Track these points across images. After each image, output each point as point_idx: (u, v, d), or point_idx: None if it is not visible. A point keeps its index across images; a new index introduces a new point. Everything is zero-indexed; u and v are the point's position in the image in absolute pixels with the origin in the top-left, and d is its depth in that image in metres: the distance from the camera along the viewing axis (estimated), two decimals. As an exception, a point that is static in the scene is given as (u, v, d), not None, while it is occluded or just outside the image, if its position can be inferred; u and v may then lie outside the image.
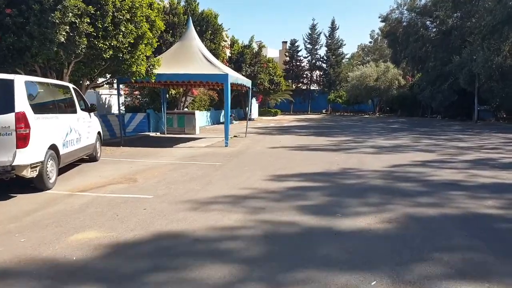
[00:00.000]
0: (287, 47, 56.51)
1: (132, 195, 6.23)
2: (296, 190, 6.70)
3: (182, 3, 18.89)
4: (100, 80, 13.12)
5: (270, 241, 4.21)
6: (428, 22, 36.37)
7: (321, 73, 56.52)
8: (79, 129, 8.15)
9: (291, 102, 49.22)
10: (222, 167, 9.03)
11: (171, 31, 17.07)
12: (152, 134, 17.94)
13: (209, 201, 5.94)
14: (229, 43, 27.50)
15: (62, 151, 7.03)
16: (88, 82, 12.34)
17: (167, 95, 18.81)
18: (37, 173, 6.04)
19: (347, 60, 60.37)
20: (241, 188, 6.79)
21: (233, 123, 28.59)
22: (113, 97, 22.92)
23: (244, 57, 26.81)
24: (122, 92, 22.16)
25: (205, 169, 8.80)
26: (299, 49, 55.69)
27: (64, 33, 8.65)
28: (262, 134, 19.47)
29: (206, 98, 25.40)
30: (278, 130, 22.32)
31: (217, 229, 4.58)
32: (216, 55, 19.14)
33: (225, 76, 12.99)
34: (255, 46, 29.12)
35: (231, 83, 14.23)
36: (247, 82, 16.27)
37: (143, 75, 11.96)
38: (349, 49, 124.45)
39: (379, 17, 39.79)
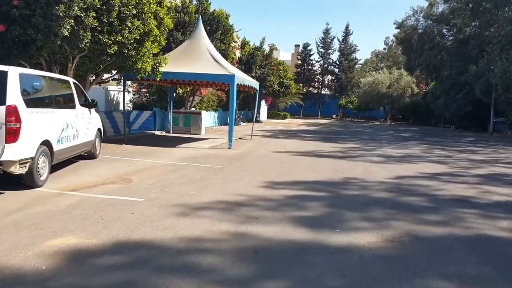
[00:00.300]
0: (300, 51, 56.09)
1: (123, 197, 5.96)
2: (295, 199, 6.37)
3: (194, 2, 18.70)
4: (106, 76, 12.93)
5: (259, 258, 3.89)
6: (444, 30, 35.67)
7: (333, 78, 55.97)
8: (77, 125, 7.93)
9: (301, 105, 48.81)
10: (222, 171, 8.74)
11: (181, 30, 16.88)
12: (157, 132, 17.75)
13: (201, 207, 5.64)
14: (240, 44, 27.24)
15: (56, 147, 6.80)
16: (93, 78, 12.15)
17: (174, 94, 18.60)
18: (26, 169, 5.81)
19: (360, 65, 59.75)
20: (237, 194, 6.48)
21: (240, 124, 28.37)
22: (121, 94, 22.87)
23: (254, 59, 26.53)
24: (130, 89, 22.13)
25: (204, 171, 8.51)
26: (311, 53, 55.24)
27: (68, 26, 8.45)
28: (269, 137, 19.15)
29: (215, 98, 25.17)
30: (285, 133, 21.97)
31: (204, 240, 4.27)
32: (226, 56, 18.91)
33: (232, 76, 12.72)
34: (266, 48, 28.83)
35: (238, 84, 13.96)
36: (255, 84, 15.98)
37: (148, 72, 11.74)
38: (362, 55, 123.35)
39: (394, 24, 39.21)
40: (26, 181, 6.00)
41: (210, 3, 18.61)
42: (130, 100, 21.70)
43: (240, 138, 16.94)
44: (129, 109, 21.05)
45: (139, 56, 10.75)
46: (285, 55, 59.08)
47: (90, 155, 9.24)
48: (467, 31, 33.19)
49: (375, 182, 8.16)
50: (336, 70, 55.45)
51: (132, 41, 10.17)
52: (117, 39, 9.74)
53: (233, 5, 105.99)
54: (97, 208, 5.27)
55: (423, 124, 38.47)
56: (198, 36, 14.72)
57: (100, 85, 17.55)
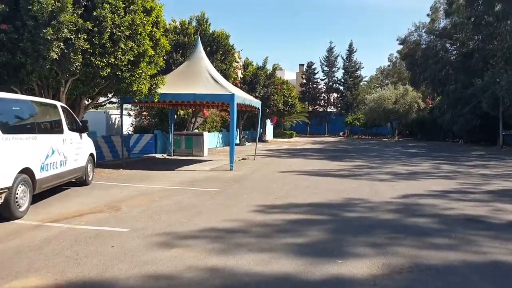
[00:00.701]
0: (304, 70, 56.19)
1: (107, 227, 5.53)
2: (294, 224, 5.87)
3: (194, 24, 18.65)
4: (102, 99, 12.70)
5: (247, 297, 3.41)
6: (447, 45, 35.39)
7: (338, 96, 55.79)
8: (64, 150, 7.59)
9: (307, 124, 48.48)
10: (219, 194, 8.28)
11: (180, 51, 16.75)
12: (158, 156, 17.41)
13: (191, 236, 5.18)
14: (243, 65, 27.17)
15: (39, 175, 6.43)
16: (88, 101, 11.91)
17: (175, 116, 18.35)
18: (2, 200, 5.43)
19: (365, 83, 59.57)
20: (232, 220, 6.01)
21: (245, 144, 28.00)
22: (123, 118, 22.72)
23: (258, 79, 26.37)
24: (132, 113, 22.00)
25: (200, 196, 8.07)
26: (316, 71, 55.29)
27: (57, 49, 8.24)
28: (273, 156, 18.69)
29: (218, 119, 24.91)
30: (290, 153, 21.51)
31: (187, 280, 3.80)
32: (227, 76, 18.71)
33: (232, 96, 12.41)
34: (269, 67, 28.71)
35: (238, 104, 13.64)
36: (256, 103, 15.67)
37: (145, 94, 11.49)
38: (367, 72, 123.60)
39: (397, 40, 39.04)
40: (2, 213, 5.60)
41: (210, 24, 18.59)
42: (131, 124, 21.54)
43: (243, 159, 16.53)
44: (130, 132, 20.88)
45: (134, 78, 10.49)
46: (290, 74, 59.25)
47: (81, 182, 8.87)
48: (471, 44, 32.87)
49: (381, 202, 7.63)
50: (341, 87, 55.32)
51: (125, 63, 9.93)
52: (110, 61, 9.50)
53: (236, 26, 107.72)
54: (75, 242, 4.83)
55: (431, 139, 37.75)
56: (197, 57, 14.53)
57: (96, 109, 17.39)
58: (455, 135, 35.28)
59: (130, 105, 19.40)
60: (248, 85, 26.08)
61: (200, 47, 14.81)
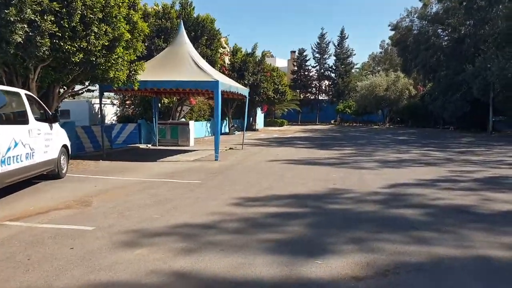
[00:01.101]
0: (296, 57, 55.48)
1: (71, 226, 5.08)
2: (273, 218, 5.48)
3: (177, 8, 17.94)
4: (79, 87, 12.09)
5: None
6: (439, 30, 35.00)
7: (330, 83, 55.32)
8: (31, 142, 7.07)
9: (298, 112, 48.05)
10: (199, 187, 7.85)
11: (163, 36, 16.10)
12: (142, 146, 16.88)
13: (160, 233, 4.76)
14: (231, 51, 26.51)
15: (0, 169, 5.93)
16: (62, 90, 11.28)
17: (159, 105, 17.77)
18: (-48, 198, 4.94)
19: (357, 70, 59.13)
20: (208, 214, 5.60)
21: (234, 134, 27.49)
22: (107, 107, 22.05)
23: (246, 66, 25.76)
24: (116, 102, 21.34)
25: (179, 189, 7.63)
26: (307, 58, 54.63)
27: (21, 32, 7.65)
28: (261, 146, 18.28)
29: (206, 107, 24.35)
30: (279, 141, 21.11)
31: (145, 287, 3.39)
32: (213, 62, 18.12)
33: (215, 83, 11.89)
34: (259, 54, 28.06)
35: (224, 91, 13.17)
36: (243, 91, 15.17)
37: (123, 81, 10.93)
38: (359, 59, 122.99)
39: (389, 25, 38.59)
40: (-45, 211, 5.12)
41: (194, 7, 17.87)
42: (115, 113, 20.91)
43: (230, 149, 16.10)
44: (113, 122, 20.25)
45: (109, 64, 9.92)
46: (281, 61, 58.52)
47: (54, 175, 8.37)
48: (462, 30, 32.53)
49: (367, 192, 7.27)
50: (333, 75, 54.84)
51: (99, 48, 9.35)
52: (82, 46, 8.92)
53: (225, 12, 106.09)
54: (31, 243, 4.38)
55: (421, 126, 37.67)
56: (179, 42, 13.94)
57: (73, 98, 16.75)
58: (445, 122, 35.17)
59: (113, 93, 18.73)
60: (237, 72, 25.47)
61: (182, 31, 14.20)
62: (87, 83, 11.69)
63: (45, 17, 8.03)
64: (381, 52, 60.31)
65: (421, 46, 33.89)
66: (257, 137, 24.48)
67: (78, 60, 9.05)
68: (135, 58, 11.53)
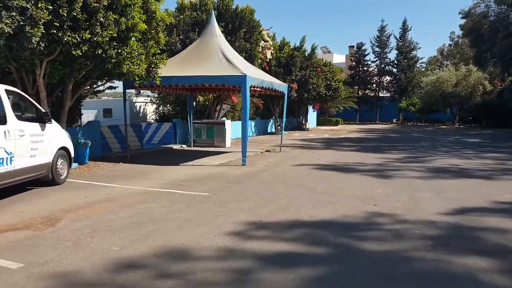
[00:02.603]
0: (354, 52, 52.28)
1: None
2: (269, 266, 3.84)
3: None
4: (98, 84, 11.23)
5: None
6: (522, 15, 30.41)
7: (391, 79, 51.39)
8: (8, 145, 6.10)
9: (356, 110, 45.07)
10: (202, 202, 6.42)
11: (197, 29, 14.94)
12: (176, 146, 15.90)
13: (105, 279, 3.37)
14: (279, 45, 24.87)
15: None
16: (80, 87, 10.45)
17: (194, 103, 16.70)
18: None
19: (422, 65, 54.39)
20: (180, 253, 4.11)
21: (281, 133, 25.87)
22: (148, 106, 21.60)
23: (294, 60, 24.01)
24: (156, 100, 20.73)
25: (177, 204, 6.25)
26: (366, 53, 51.22)
27: (8, 21, 6.75)
28: (304, 148, 16.48)
29: (249, 106, 22.95)
30: (328, 143, 19.10)
31: None
32: (252, 57, 16.68)
33: (243, 77, 10.41)
34: (308, 48, 26.13)
35: (255, 86, 11.68)
36: (279, 86, 13.50)
37: (140, 76, 9.87)
38: (425, 54, 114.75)
39: (460, 13, 34.43)
40: None
41: (233, -2, 16.49)
42: (153, 112, 20.32)
43: (267, 151, 14.57)
44: (151, 121, 19.65)
45: (121, 57, 8.86)
46: (339, 57, 55.66)
47: (48, 181, 7.42)
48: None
49: (420, 221, 5.31)
50: (395, 70, 50.95)
51: (107, 39, 8.30)
52: (85, 37, 7.90)
53: (279, 6, 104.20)
54: None
55: (499, 126, 32.94)
56: (209, 34, 12.64)
57: (97, 96, 16.17)
58: (529, 122, 30.48)
59: (141, 91, 18.05)
60: (284, 67, 23.81)
61: (213, 22, 12.87)
62: (104, 80, 10.78)
63: (39, 5, 7.09)
64: (450, 45, 54.94)
65: (499, 34, 29.61)
66: (304, 137, 22.64)
67: (81, 53, 8.06)
68: (158, 51, 10.45)
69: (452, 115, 40.75)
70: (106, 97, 26.80)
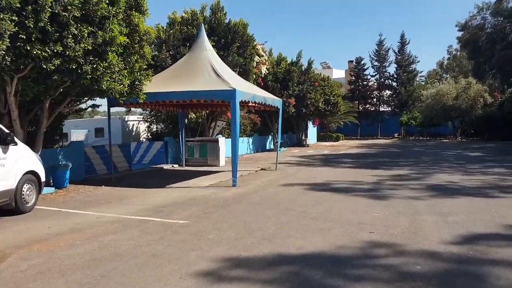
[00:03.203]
0: (353, 66, 52.01)
1: None
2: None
3: (208, 13, 16.30)
4: (79, 102, 10.63)
5: None
6: (520, 27, 30.09)
7: (391, 93, 50.94)
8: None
9: (357, 125, 44.47)
10: (176, 232, 5.70)
11: (188, 44, 14.45)
12: (167, 166, 15.21)
13: None
14: (276, 60, 24.46)
15: None
16: (60, 106, 9.81)
17: (186, 120, 16.10)
18: None
19: (422, 78, 54.05)
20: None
21: (280, 150, 25.22)
22: (141, 124, 21.00)
23: (291, 75, 23.53)
24: (149, 118, 20.16)
25: (148, 235, 5.54)
26: (365, 67, 50.90)
27: (-33, 34, 6.19)
28: (302, 165, 15.78)
29: (246, 122, 22.39)
30: (326, 160, 18.40)
31: None
32: (246, 72, 16.16)
33: (232, 92, 9.82)
34: (304, 63, 25.71)
35: (245, 101, 11.11)
36: (273, 101, 12.88)
37: (122, 93, 9.26)
38: (424, 67, 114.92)
39: (456, 26, 34.27)
40: None
41: (226, 13, 16.06)
42: (145, 130, 19.71)
43: (262, 169, 13.88)
44: (142, 140, 19.03)
45: (99, 73, 8.27)
46: (339, 72, 55.41)
47: (11, 209, 6.74)
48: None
49: (422, 253, 4.58)
50: (394, 84, 50.54)
51: (80, 53, 7.72)
52: (57, 51, 7.33)
53: (287, 26, 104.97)
54: None
55: (501, 139, 32.19)
56: (199, 48, 12.13)
57: (80, 115, 15.55)
58: (532, 134, 29.76)
59: (141, 109, 17.51)
60: (281, 82, 23.31)
61: (203, 36, 12.39)
62: (86, 98, 10.18)
63: (2, 16, 6.53)
64: (449, 58, 54.71)
65: (497, 46, 29.23)
66: (303, 154, 21.96)
67: (54, 68, 7.49)
68: (144, 66, 9.90)
69: (454, 128, 40.09)
70: (100, 116, 26.29)
